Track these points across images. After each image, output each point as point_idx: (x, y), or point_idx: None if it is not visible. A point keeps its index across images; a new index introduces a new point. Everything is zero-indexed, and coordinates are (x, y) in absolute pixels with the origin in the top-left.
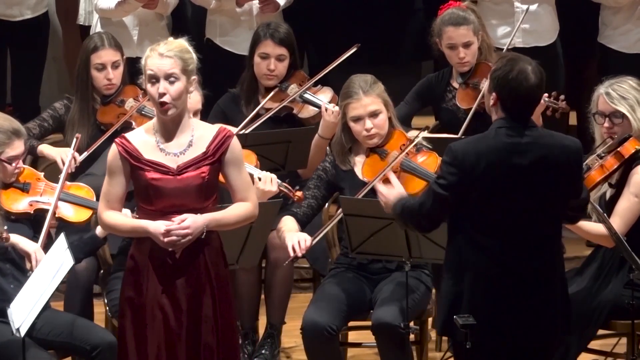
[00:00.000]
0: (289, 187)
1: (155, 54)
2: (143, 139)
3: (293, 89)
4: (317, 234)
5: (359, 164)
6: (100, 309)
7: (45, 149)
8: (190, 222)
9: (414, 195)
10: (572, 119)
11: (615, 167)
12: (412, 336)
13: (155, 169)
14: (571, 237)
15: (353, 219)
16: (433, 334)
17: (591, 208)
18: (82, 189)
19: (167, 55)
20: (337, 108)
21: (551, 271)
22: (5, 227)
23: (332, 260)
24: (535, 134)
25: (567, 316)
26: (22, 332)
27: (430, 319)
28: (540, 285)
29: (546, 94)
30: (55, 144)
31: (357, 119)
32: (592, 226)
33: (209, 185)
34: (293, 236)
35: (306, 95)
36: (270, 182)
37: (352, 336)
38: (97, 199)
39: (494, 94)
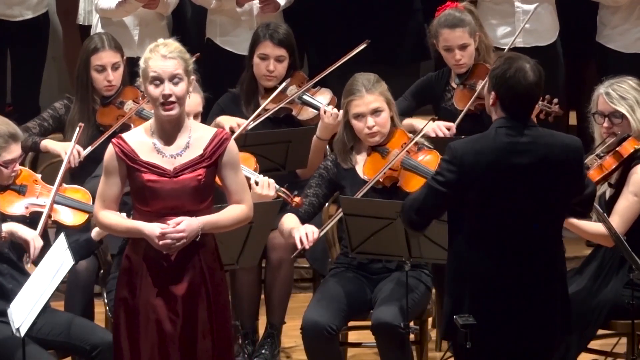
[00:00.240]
0: (287, 192)
1: (157, 55)
2: (140, 140)
3: (292, 90)
4: (322, 227)
5: (360, 163)
6: (100, 309)
7: (49, 144)
8: (185, 226)
9: None
10: (572, 119)
11: (615, 166)
12: (412, 336)
13: (152, 171)
14: (571, 237)
15: (353, 219)
16: (433, 334)
17: None
18: (78, 192)
19: (170, 57)
20: (335, 110)
21: (551, 271)
22: (2, 228)
23: (332, 260)
24: (535, 133)
25: (567, 316)
26: (22, 332)
27: (430, 319)
28: (540, 285)
29: None
30: None
31: (359, 117)
32: (591, 226)
33: (205, 187)
34: (300, 229)
35: (305, 97)
36: (267, 187)
37: (352, 336)
38: None
39: (493, 93)
